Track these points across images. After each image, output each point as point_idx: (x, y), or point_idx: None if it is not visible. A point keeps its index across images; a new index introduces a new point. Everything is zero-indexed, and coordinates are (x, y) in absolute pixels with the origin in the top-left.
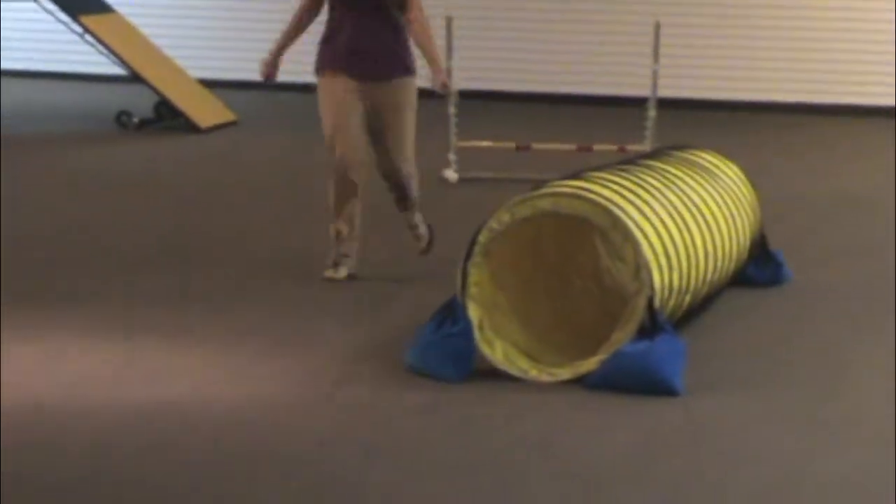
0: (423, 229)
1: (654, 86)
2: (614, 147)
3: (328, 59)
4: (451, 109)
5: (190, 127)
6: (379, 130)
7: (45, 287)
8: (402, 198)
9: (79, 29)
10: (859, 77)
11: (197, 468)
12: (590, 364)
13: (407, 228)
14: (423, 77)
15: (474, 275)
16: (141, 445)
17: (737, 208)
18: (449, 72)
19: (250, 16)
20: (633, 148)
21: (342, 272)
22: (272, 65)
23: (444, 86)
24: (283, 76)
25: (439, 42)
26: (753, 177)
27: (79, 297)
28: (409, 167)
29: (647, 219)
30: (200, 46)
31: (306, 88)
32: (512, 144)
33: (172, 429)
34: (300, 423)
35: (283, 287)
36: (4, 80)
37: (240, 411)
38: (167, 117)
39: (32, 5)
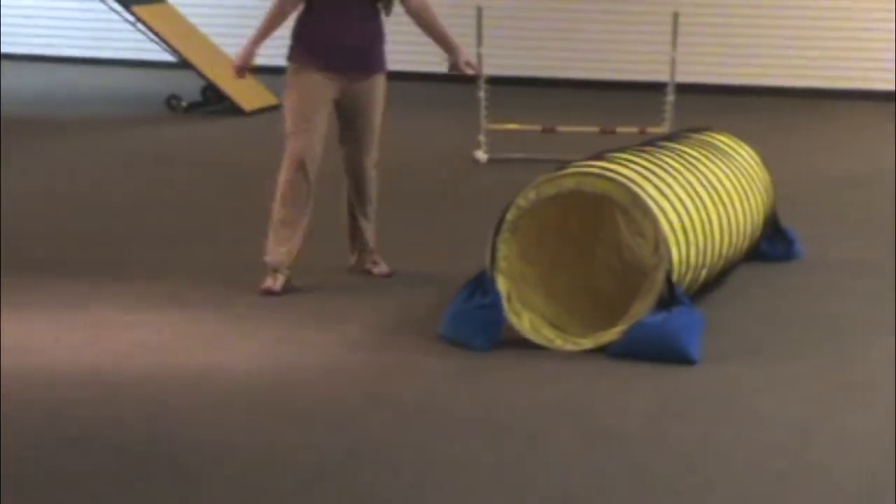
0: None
1: (673, 72)
2: (635, 129)
3: (307, 53)
4: (481, 94)
5: (235, 110)
6: (350, 126)
7: (96, 259)
8: (361, 200)
9: (131, 18)
10: (865, 63)
11: (244, 429)
12: (611, 334)
13: (350, 236)
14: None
15: (503, 250)
16: (191, 408)
17: (750, 187)
18: (479, 59)
19: None
20: (653, 130)
21: (279, 281)
22: (248, 58)
23: (470, 64)
24: None
25: (464, 30)
26: (767, 157)
27: (128, 270)
28: (374, 166)
29: (666, 197)
30: (245, 35)
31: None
32: (538, 127)
33: (221, 392)
34: (340, 388)
35: (322, 260)
36: (59, 66)
37: (284, 375)
38: (213, 101)
39: None
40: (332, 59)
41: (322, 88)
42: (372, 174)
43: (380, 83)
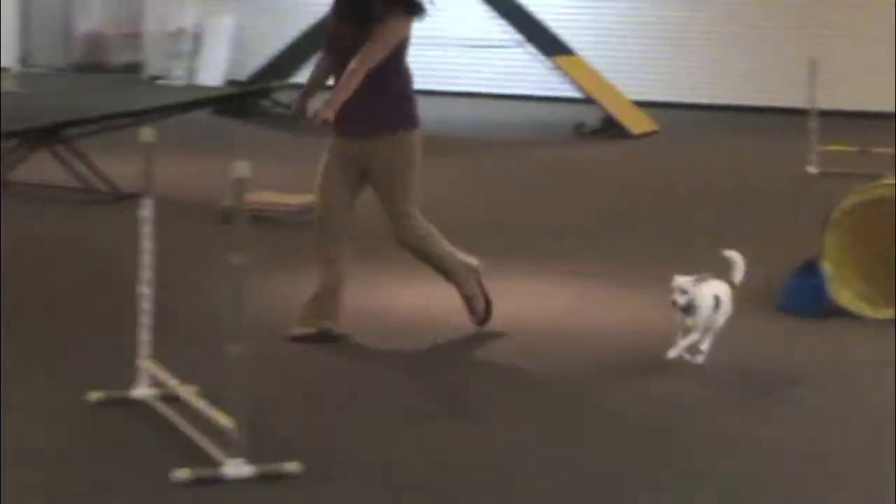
0: (478, 303)
1: None
2: None
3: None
4: (811, 124)
5: (625, 134)
6: (377, 192)
7: (509, 242)
8: (436, 270)
9: (552, 65)
10: None
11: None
12: None
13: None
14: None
15: (828, 241)
16: (593, 354)
17: None
18: (813, 97)
19: (675, 45)
20: None
21: (309, 328)
22: (303, 111)
23: (325, 121)
24: (730, 98)
25: (799, 79)
26: None
27: (540, 252)
28: (413, 231)
29: None
30: (645, 78)
31: (724, 108)
32: (856, 148)
33: (618, 342)
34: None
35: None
36: (487, 101)
37: (633, 327)
38: (610, 128)
39: (520, 50)
40: (335, 122)
41: (335, 151)
42: (411, 241)
43: (395, 143)
